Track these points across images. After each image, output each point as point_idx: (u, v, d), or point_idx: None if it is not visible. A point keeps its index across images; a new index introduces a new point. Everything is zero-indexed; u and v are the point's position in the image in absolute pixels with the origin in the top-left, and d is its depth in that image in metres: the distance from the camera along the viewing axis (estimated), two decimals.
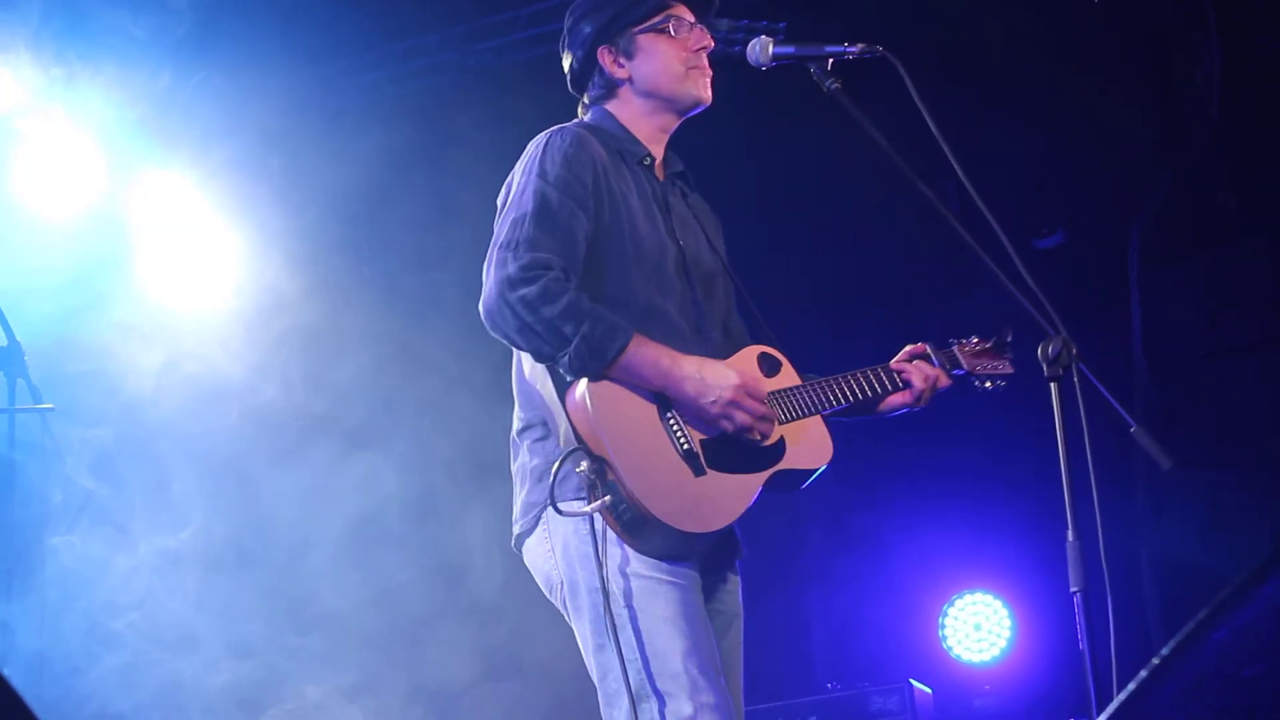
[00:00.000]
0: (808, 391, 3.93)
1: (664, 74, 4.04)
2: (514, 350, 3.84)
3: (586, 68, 4.12)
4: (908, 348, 4.23)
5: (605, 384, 3.59)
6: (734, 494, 3.68)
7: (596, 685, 3.63)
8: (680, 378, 3.63)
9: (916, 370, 4.15)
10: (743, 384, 3.67)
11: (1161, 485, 6.61)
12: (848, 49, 3.63)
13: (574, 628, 3.74)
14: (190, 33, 6.65)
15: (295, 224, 7.29)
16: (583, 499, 3.53)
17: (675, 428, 3.64)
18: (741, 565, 3.98)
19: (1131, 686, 1.97)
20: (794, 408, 3.87)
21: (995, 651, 7.50)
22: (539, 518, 3.74)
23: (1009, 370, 4.37)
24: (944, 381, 4.20)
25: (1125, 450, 3.74)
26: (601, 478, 3.50)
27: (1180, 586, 6.58)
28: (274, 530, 7.06)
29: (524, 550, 3.84)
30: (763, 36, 3.77)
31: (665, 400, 3.66)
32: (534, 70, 7.13)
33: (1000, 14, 6.73)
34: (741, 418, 3.65)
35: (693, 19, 4.08)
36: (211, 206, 7.34)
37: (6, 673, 1.85)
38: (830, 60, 3.64)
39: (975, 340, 4.35)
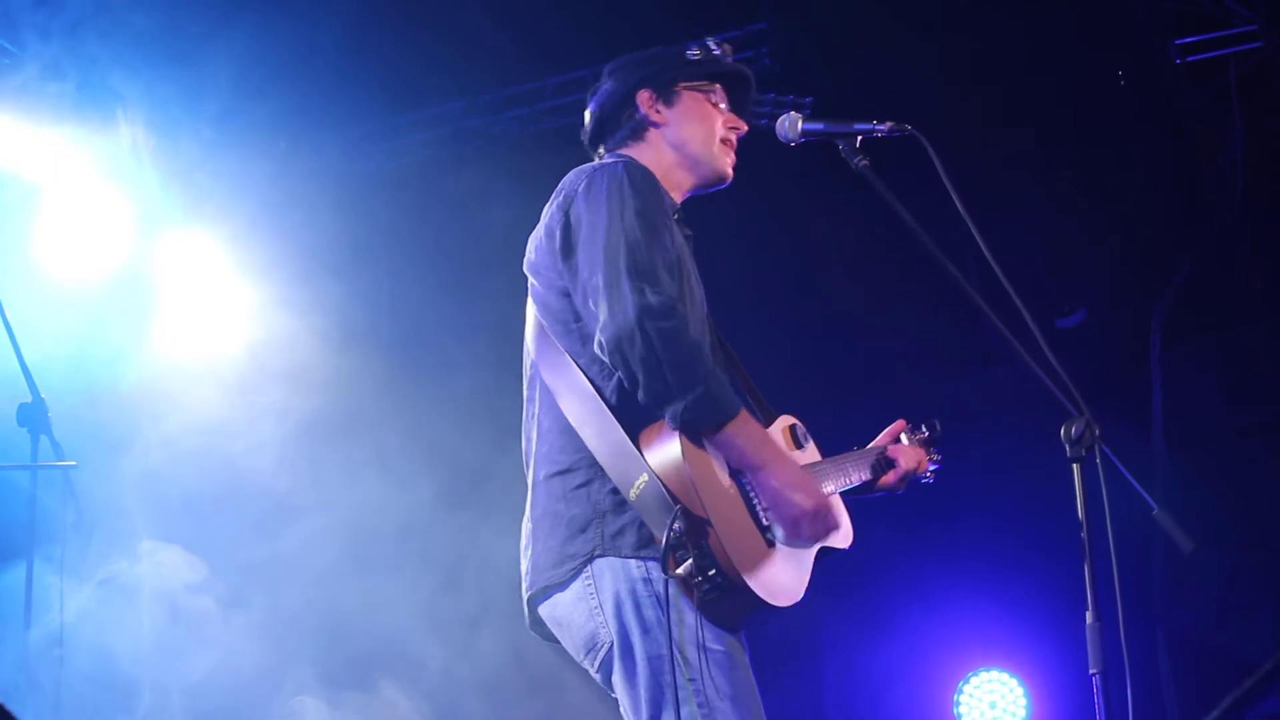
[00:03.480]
0: (834, 468, 3.92)
1: (699, 134, 3.95)
2: (553, 393, 3.66)
3: (619, 108, 3.99)
4: (890, 427, 4.29)
5: (695, 438, 3.41)
6: (798, 570, 3.57)
7: None
8: (776, 468, 3.47)
9: (906, 453, 4.21)
10: (825, 503, 3.53)
11: (1179, 566, 6.57)
12: (876, 127, 3.60)
13: (621, 691, 3.53)
14: (221, 96, 6.73)
15: (316, 286, 7.34)
16: (642, 557, 3.42)
17: (752, 497, 3.50)
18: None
19: None
20: (824, 484, 3.84)
21: None
22: (580, 570, 3.52)
23: (938, 462, 4.39)
24: (926, 463, 4.25)
25: (1144, 530, 3.73)
26: (695, 540, 3.30)
27: (1198, 668, 6.53)
28: (285, 583, 7.05)
29: (551, 603, 3.62)
30: (791, 112, 3.76)
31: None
32: (560, 139, 7.18)
33: (1025, 93, 6.78)
34: (809, 530, 3.51)
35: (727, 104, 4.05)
36: (234, 267, 7.40)
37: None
38: (859, 137, 3.64)
39: (921, 431, 4.42)
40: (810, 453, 3.93)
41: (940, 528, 7.35)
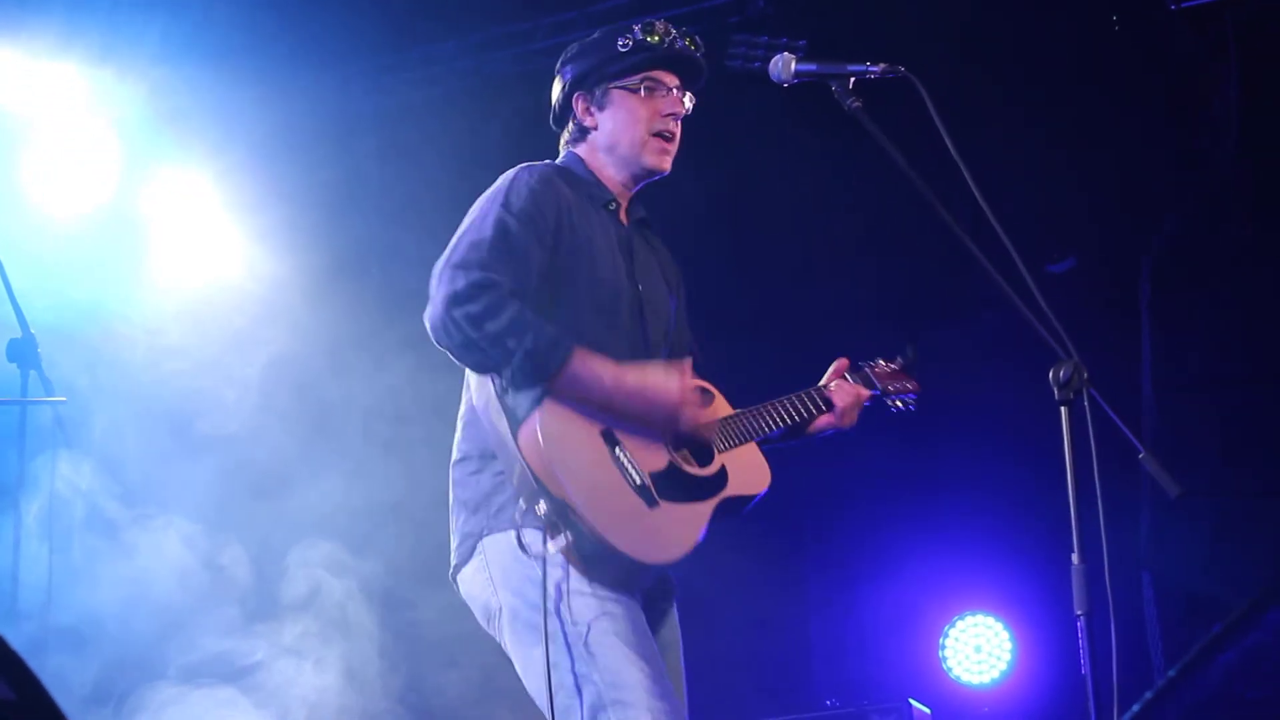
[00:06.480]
0: (742, 420, 4.05)
1: (625, 135, 4.14)
2: (464, 380, 3.94)
3: (564, 107, 4.24)
4: (833, 365, 4.34)
5: (555, 422, 3.65)
6: (687, 523, 3.77)
7: (545, 708, 3.65)
8: (626, 392, 3.74)
9: (839, 390, 4.26)
10: (683, 389, 3.79)
11: (1166, 511, 6.60)
12: (870, 68, 3.64)
13: (513, 654, 3.78)
14: (212, 32, 6.69)
15: (304, 225, 7.32)
16: (519, 528, 3.67)
17: (625, 462, 3.72)
18: (677, 599, 4.07)
19: (1137, 707, 1.98)
20: (731, 436, 3.98)
21: (995, 674, 7.50)
22: (474, 548, 3.82)
23: (916, 389, 4.48)
24: (864, 396, 4.32)
25: (1131, 474, 3.75)
26: (562, 517, 3.56)
27: (1183, 612, 6.57)
28: (272, 531, 7.04)
29: (459, 581, 3.90)
30: (785, 53, 3.79)
31: (612, 436, 3.74)
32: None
33: (1017, 38, 6.74)
34: (688, 418, 3.81)
35: (675, 83, 4.16)
36: (224, 205, 7.39)
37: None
38: (852, 79, 3.66)
39: (883, 362, 4.48)
40: (718, 408, 4.06)
41: (926, 472, 7.38)
